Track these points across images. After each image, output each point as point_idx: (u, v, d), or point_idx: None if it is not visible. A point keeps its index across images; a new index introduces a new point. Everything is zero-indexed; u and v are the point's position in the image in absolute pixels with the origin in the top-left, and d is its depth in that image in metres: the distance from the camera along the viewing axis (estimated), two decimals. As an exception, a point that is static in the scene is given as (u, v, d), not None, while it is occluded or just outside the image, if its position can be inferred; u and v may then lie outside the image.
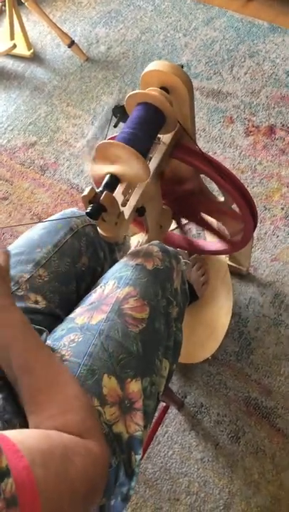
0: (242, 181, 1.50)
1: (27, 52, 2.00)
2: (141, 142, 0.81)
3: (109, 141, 0.78)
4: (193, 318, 1.29)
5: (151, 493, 1.20)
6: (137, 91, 0.83)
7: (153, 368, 0.76)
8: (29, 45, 2.00)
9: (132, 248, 1.34)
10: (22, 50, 2.00)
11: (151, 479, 1.21)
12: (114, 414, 0.70)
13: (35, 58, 2.03)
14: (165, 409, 1.21)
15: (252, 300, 1.40)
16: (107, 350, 0.72)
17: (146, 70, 0.85)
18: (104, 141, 0.79)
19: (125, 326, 0.75)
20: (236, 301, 1.40)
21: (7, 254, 0.71)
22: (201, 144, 1.68)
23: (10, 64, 2.04)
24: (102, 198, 0.75)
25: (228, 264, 1.37)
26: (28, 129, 1.84)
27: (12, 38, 1.92)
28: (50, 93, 1.92)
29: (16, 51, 1.97)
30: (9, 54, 2.00)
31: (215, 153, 1.67)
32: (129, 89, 1.87)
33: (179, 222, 1.27)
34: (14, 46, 1.90)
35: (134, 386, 0.72)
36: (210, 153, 1.65)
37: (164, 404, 1.21)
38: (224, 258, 1.36)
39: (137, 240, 1.35)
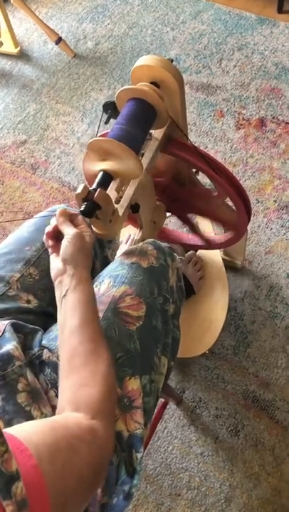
0: (235, 174, 1.50)
1: (14, 50, 1.98)
2: (133, 138, 0.80)
3: (101, 138, 0.77)
4: (190, 313, 1.29)
5: (152, 489, 1.20)
6: (127, 86, 0.82)
7: (152, 365, 0.76)
8: (16, 43, 1.98)
9: (123, 242, 1.34)
10: (9, 47, 1.98)
11: (151, 475, 1.21)
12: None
13: (23, 56, 2.01)
14: (164, 405, 1.21)
15: (247, 293, 1.40)
16: (104, 349, 0.72)
17: (136, 65, 0.84)
18: (95, 138, 0.78)
19: (122, 324, 0.74)
20: (232, 294, 1.40)
21: (93, 236, 0.76)
22: (192, 138, 1.68)
23: (-3, 62, 2.02)
24: (95, 195, 0.75)
25: (223, 259, 1.37)
26: (17, 127, 1.82)
27: (-2, 35, 1.90)
28: (38, 91, 1.90)
29: (2, 49, 1.95)
30: (-4, 52, 1.98)
31: (206, 147, 1.67)
32: (119, 84, 1.86)
33: (184, 219, 1.26)
34: (1, 44, 1.88)
35: (134, 384, 0.72)
36: (201, 148, 1.65)
37: (163, 400, 1.21)
38: (219, 253, 1.36)
39: (127, 234, 1.34)
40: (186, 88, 1.79)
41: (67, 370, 0.63)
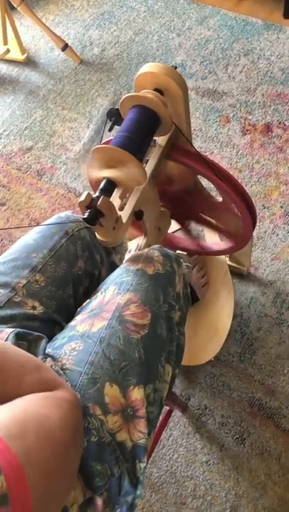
0: (240, 180, 1.50)
1: (21, 57, 2.00)
2: (136, 145, 0.80)
3: (104, 145, 0.77)
4: (195, 320, 1.28)
5: (157, 497, 1.19)
6: (130, 94, 0.82)
7: (156, 374, 0.76)
8: (23, 50, 2.00)
9: (132, 252, 1.33)
10: (16, 54, 1.99)
11: (156, 483, 1.20)
12: (117, 423, 0.69)
13: (30, 62, 2.02)
14: (169, 413, 1.21)
15: (253, 300, 1.39)
16: (108, 358, 0.71)
17: (140, 72, 0.84)
18: (99, 145, 0.78)
19: (126, 332, 0.74)
20: (237, 301, 1.39)
21: None
22: (198, 144, 1.67)
23: (4, 69, 2.03)
24: (99, 203, 0.75)
25: (229, 265, 1.36)
26: (23, 133, 1.83)
27: (5, 42, 1.92)
28: (45, 97, 1.91)
29: (9, 56, 1.96)
30: (3, 59, 1.99)
31: (212, 152, 1.66)
32: (124, 91, 1.86)
33: (182, 224, 1.26)
34: (8, 51, 1.89)
35: (137, 393, 0.72)
36: (207, 153, 1.65)
37: (168, 408, 1.20)
38: (224, 258, 1.35)
39: (136, 244, 1.34)
40: (192, 94, 1.79)
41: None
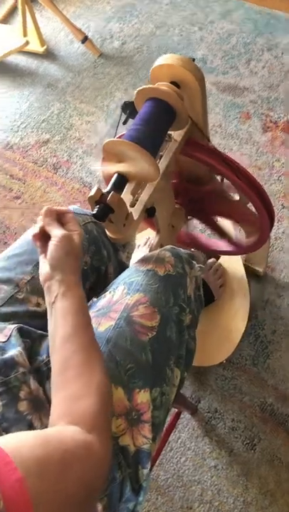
0: (259, 179, 1.45)
1: (40, 49, 1.98)
2: (149, 139, 0.77)
3: (116, 139, 0.75)
4: (209, 320, 1.25)
5: (163, 500, 1.16)
6: (145, 86, 0.79)
7: (163, 377, 0.73)
8: (42, 42, 1.98)
9: (141, 245, 1.30)
10: (35, 46, 1.97)
11: (163, 486, 1.18)
12: (120, 426, 0.67)
13: (49, 55, 2.01)
14: (177, 415, 1.18)
15: (269, 302, 1.35)
16: (114, 359, 0.69)
17: (156, 64, 0.81)
18: (110, 139, 0.75)
19: (134, 334, 0.71)
20: (253, 302, 1.35)
21: (81, 234, 0.71)
22: (217, 140, 1.64)
23: (23, 61, 2.02)
24: (108, 198, 0.72)
25: (245, 265, 1.32)
26: (40, 126, 1.81)
27: (25, 34, 1.90)
28: (63, 90, 1.89)
29: (29, 48, 1.95)
30: (22, 51, 1.98)
31: (231, 149, 1.62)
32: (144, 85, 1.83)
33: (205, 222, 1.22)
34: (27, 43, 1.87)
35: (143, 397, 0.69)
36: (226, 150, 1.61)
37: (176, 410, 1.18)
38: (240, 260, 1.32)
39: (145, 238, 1.31)
40: (213, 89, 1.75)
41: (60, 381, 0.60)
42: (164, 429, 0.85)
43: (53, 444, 0.49)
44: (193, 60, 0.84)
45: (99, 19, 2.06)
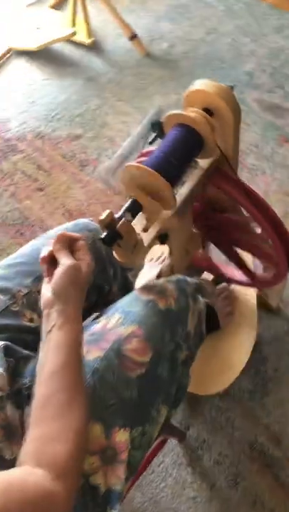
0: (285, 206, 1.40)
1: (87, 41, 1.95)
2: (171, 168, 0.73)
3: (137, 164, 0.71)
4: (211, 348, 1.21)
5: (136, 523, 1.14)
6: (176, 111, 0.75)
7: (147, 417, 0.70)
8: (90, 34, 1.95)
9: (153, 260, 1.27)
10: (82, 37, 1.95)
11: (138, 509, 1.16)
12: (93, 464, 0.64)
13: (94, 48, 1.98)
14: (162, 443, 1.15)
15: (276, 337, 1.31)
16: (98, 393, 0.67)
17: (191, 88, 0.77)
18: (132, 163, 0.72)
19: (122, 368, 0.69)
20: (259, 335, 1.31)
21: (91, 264, 0.70)
22: (251, 161, 1.58)
23: (68, 50, 1.99)
24: (119, 225, 0.69)
25: (258, 296, 1.28)
26: (75, 120, 1.79)
27: (73, 24, 1.87)
28: (103, 86, 1.86)
29: (75, 38, 1.92)
30: (68, 40, 1.95)
31: (264, 172, 1.57)
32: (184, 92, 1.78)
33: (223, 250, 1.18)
34: (74, 34, 1.85)
35: (122, 436, 0.66)
36: (258, 172, 1.56)
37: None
38: (253, 291, 1.27)
39: (160, 251, 1.27)
40: (255, 106, 1.69)
41: (38, 416, 0.58)
42: (149, 452, 0.82)
43: (15, 492, 0.48)
44: (232, 87, 0.80)
45: (150, 17, 2.02)
